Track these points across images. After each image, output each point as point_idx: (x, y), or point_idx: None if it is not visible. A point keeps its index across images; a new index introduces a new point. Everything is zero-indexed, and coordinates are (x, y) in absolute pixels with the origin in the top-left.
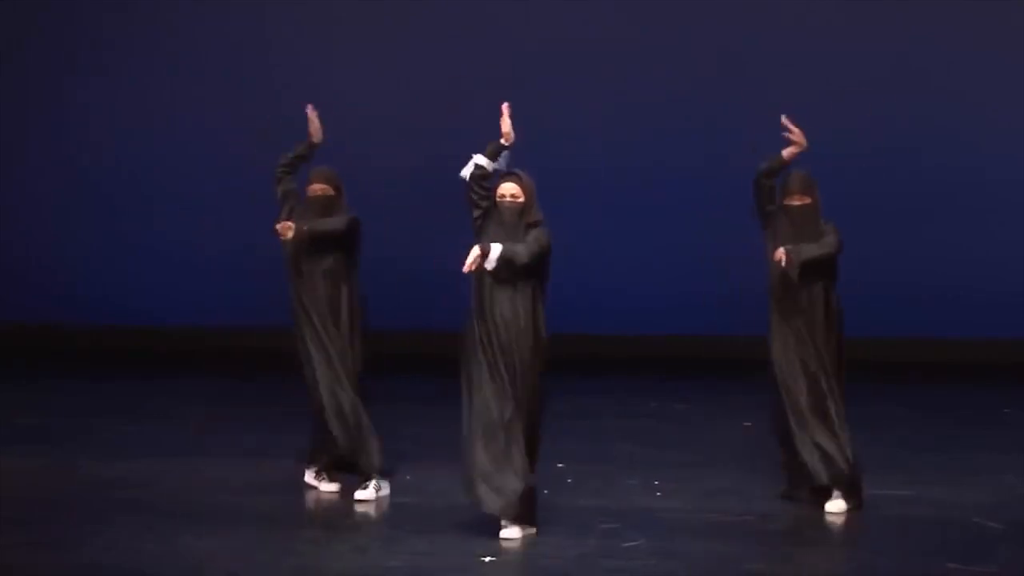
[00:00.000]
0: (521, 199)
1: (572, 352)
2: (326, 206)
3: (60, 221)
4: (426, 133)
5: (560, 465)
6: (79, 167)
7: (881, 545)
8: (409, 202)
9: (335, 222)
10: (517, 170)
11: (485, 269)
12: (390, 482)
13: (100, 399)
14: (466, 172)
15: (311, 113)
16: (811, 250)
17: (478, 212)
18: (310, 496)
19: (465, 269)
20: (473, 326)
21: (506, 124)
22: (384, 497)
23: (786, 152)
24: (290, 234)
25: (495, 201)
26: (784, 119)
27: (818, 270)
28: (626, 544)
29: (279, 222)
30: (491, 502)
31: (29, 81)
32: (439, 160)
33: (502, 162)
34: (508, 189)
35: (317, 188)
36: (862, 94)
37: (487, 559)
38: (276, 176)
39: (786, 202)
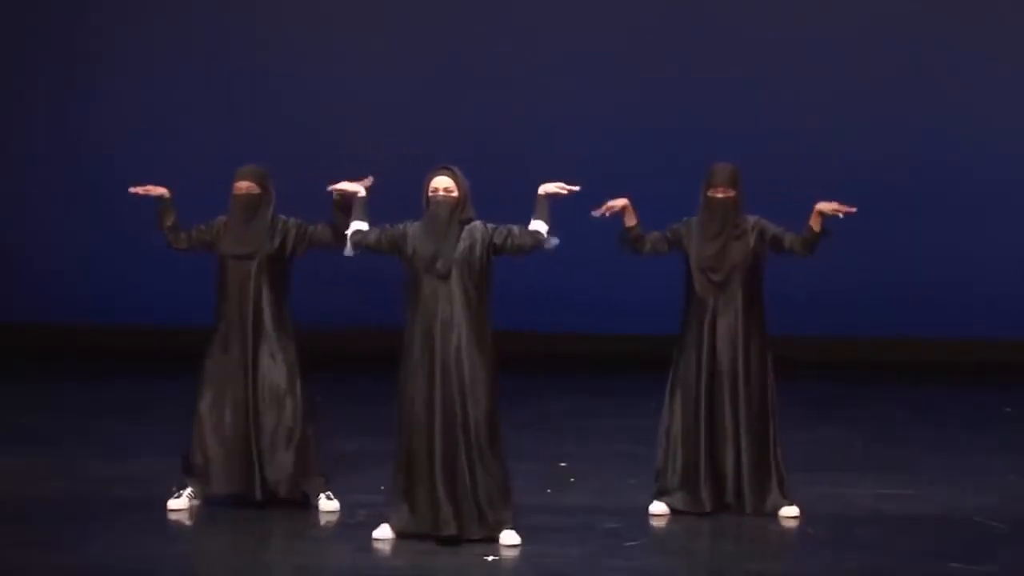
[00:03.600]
0: (455, 193)
1: (572, 352)
2: (252, 205)
3: (61, 221)
4: (426, 132)
5: (562, 465)
6: (80, 167)
7: (883, 545)
8: (407, 200)
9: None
10: (450, 165)
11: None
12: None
13: (100, 399)
14: (350, 251)
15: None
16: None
17: (399, 227)
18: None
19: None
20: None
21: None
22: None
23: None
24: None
25: (427, 197)
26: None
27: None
28: (626, 544)
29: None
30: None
31: (30, 81)
32: (438, 158)
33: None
34: (442, 183)
35: (243, 186)
36: (862, 94)
37: (489, 559)
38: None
39: (709, 194)
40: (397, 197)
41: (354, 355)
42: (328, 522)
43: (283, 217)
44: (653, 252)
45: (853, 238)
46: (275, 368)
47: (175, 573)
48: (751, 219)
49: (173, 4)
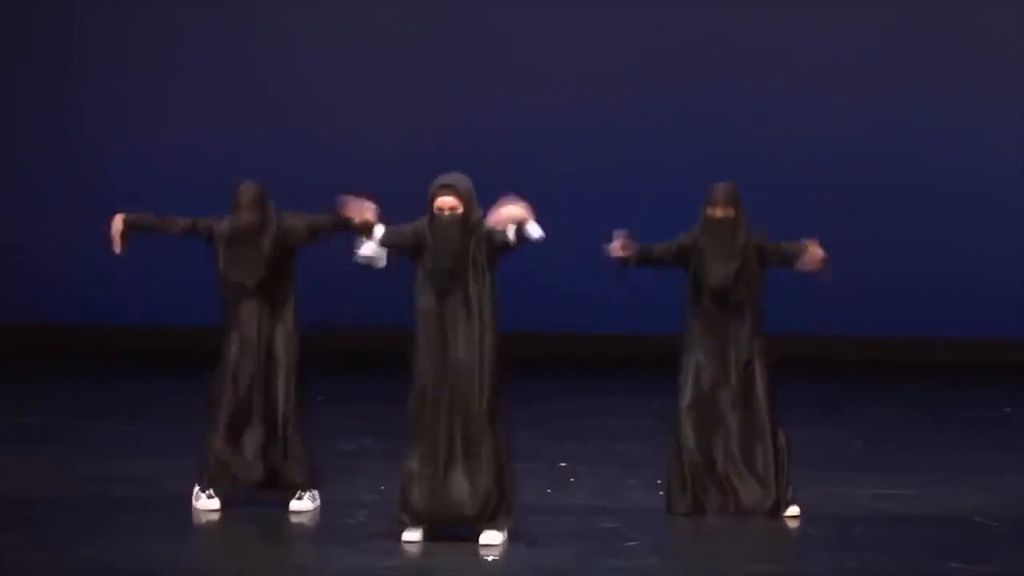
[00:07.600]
0: (460, 209)
1: (573, 352)
2: (251, 236)
3: (60, 221)
4: (426, 132)
5: (562, 465)
6: (80, 167)
7: (883, 545)
8: (407, 200)
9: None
10: (451, 178)
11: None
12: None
13: (100, 399)
14: (372, 252)
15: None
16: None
17: (415, 230)
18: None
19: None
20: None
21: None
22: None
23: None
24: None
25: (432, 214)
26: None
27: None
28: (626, 544)
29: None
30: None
31: (29, 81)
32: (438, 157)
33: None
34: (446, 202)
35: (242, 219)
36: (863, 94)
37: (489, 559)
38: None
39: (709, 212)
40: (397, 197)
41: (355, 355)
42: (328, 522)
43: (281, 224)
44: (659, 263)
45: (853, 238)
46: (282, 367)
47: (175, 573)
48: (750, 234)
49: (173, 4)
